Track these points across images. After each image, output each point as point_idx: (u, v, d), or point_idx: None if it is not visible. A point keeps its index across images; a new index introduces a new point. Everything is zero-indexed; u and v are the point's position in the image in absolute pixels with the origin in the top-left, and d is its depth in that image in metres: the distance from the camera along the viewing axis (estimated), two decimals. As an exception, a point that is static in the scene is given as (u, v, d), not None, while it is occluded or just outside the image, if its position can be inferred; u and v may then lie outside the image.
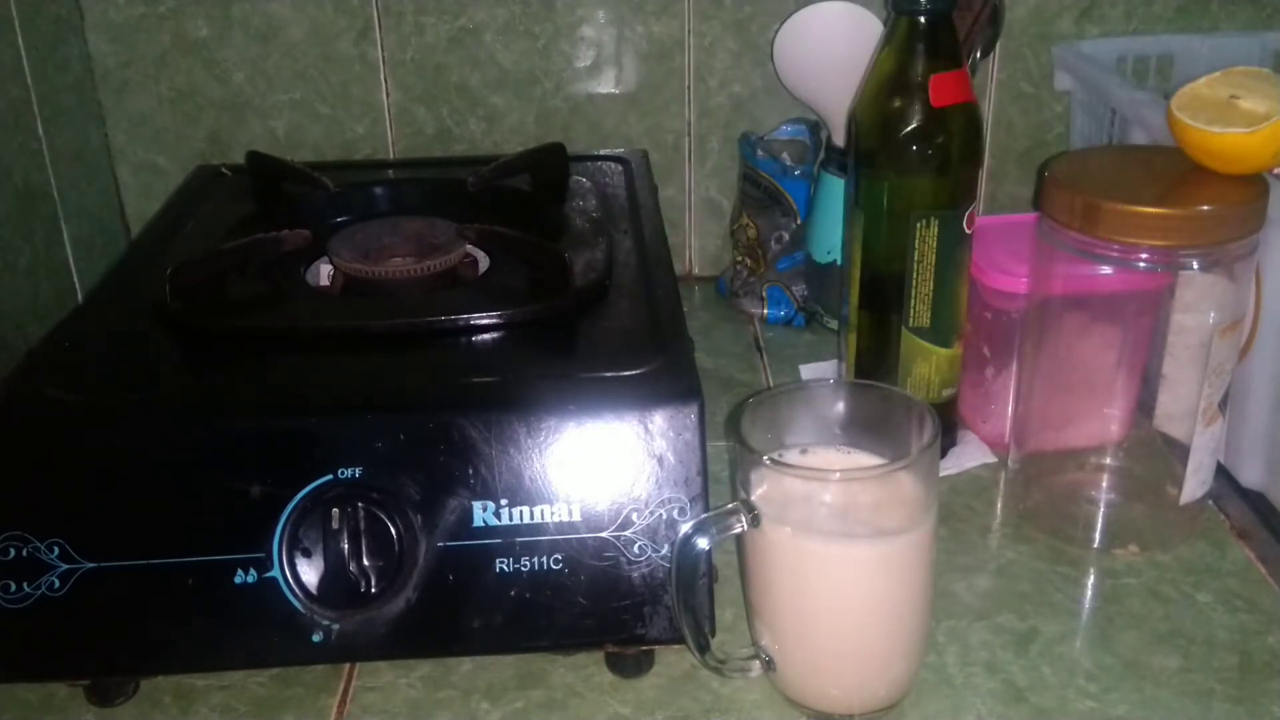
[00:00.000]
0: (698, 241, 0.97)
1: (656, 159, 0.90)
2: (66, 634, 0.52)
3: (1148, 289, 0.64)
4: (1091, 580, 0.62)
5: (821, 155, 0.87)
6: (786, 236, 0.88)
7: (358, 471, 0.52)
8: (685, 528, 0.52)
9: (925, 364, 0.67)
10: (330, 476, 0.52)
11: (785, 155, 0.88)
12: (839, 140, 0.84)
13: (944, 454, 0.71)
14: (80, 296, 0.85)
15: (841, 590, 0.51)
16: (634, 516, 0.53)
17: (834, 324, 0.87)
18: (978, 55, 0.81)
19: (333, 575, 0.52)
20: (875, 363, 0.69)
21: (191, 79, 0.90)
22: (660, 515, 0.53)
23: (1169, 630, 0.58)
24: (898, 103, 0.63)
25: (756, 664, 0.54)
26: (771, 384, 0.82)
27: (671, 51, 0.90)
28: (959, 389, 0.70)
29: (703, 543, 0.50)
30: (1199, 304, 0.61)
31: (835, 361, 0.82)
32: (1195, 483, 0.63)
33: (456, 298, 0.66)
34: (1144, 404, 0.66)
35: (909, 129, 0.63)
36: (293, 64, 0.89)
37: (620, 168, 0.83)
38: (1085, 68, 0.85)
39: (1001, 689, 0.55)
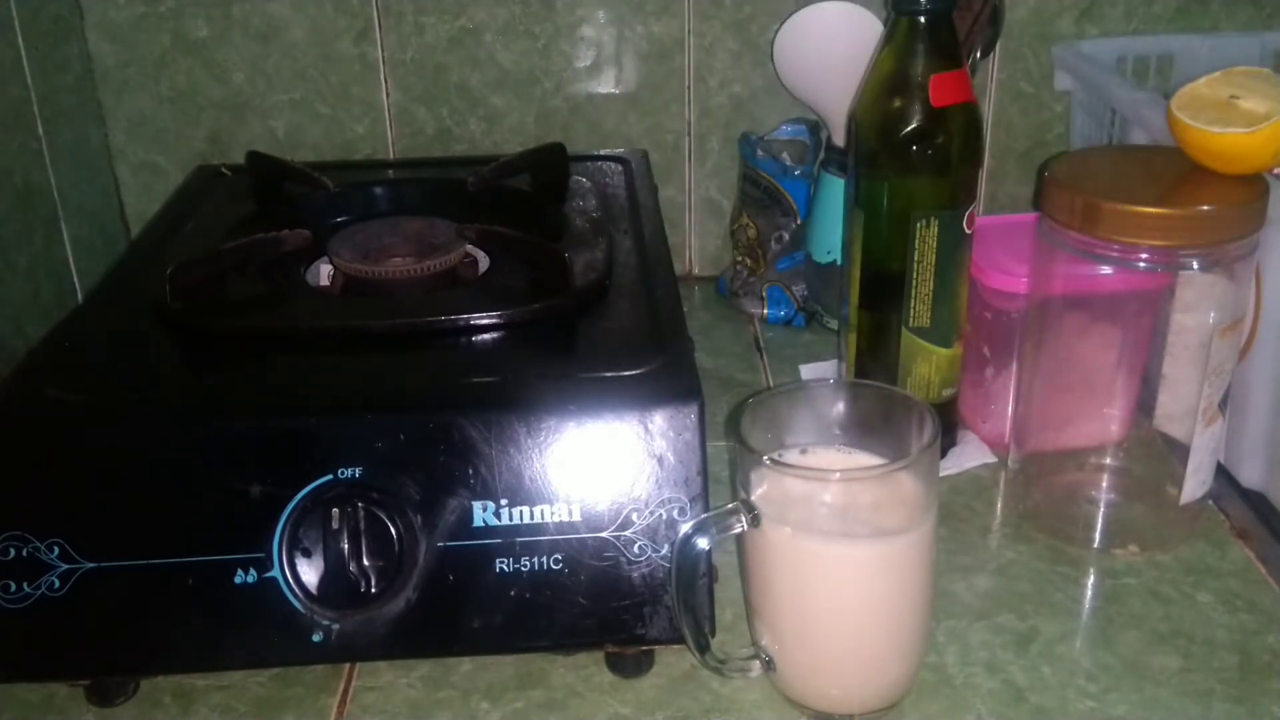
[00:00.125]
0: (698, 241, 0.97)
1: (656, 159, 0.91)
2: (66, 634, 0.52)
3: (1148, 289, 0.64)
4: (1091, 580, 0.62)
5: (821, 155, 0.87)
6: (786, 236, 0.88)
7: (358, 471, 0.52)
8: (685, 528, 0.52)
9: (925, 364, 0.67)
10: (330, 476, 0.52)
11: (785, 155, 0.88)
12: (839, 140, 0.84)
13: (944, 454, 0.71)
14: (80, 296, 0.85)
15: (841, 590, 0.51)
16: (634, 516, 0.53)
17: (834, 324, 0.87)
18: (978, 55, 0.81)
19: (333, 575, 0.52)
20: (875, 363, 0.69)
21: (191, 79, 0.90)
22: (660, 515, 0.53)
23: (1169, 630, 0.58)
24: (898, 103, 0.63)
25: (756, 664, 0.54)
26: (771, 384, 0.82)
27: (671, 51, 0.90)
28: (959, 389, 0.70)
29: (703, 543, 0.50)
30: (1199, 304, 0.61)
31: (835, 361, 0.82)
32: (1195, 483, 0.63)
33: (456, 298, 0.66)
34: (1144, 404, 0.66)
35: (909, 129, 0.63)
36: (293, 64, 0.89)
37: (620, 168, 0.83)
38: (1085, 68, 0.85)
39: (1001, 689, 0.55)
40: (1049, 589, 0.61)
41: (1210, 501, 0.66)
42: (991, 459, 0.72)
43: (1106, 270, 0.60)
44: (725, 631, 0.58)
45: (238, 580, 0.52)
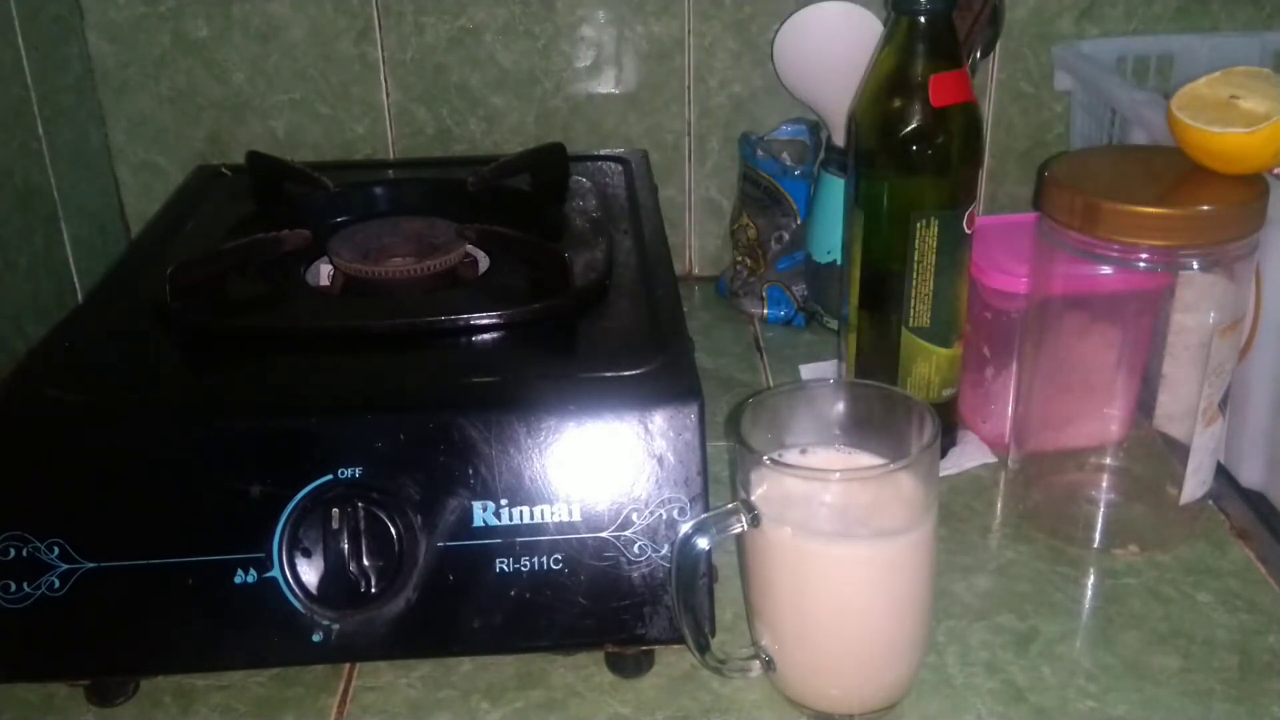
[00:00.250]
0: (698, 241, 0.97)
1: (656, 159, 0.91)
2: (66, 634, 0.52)
3: (1148, 289, 0.64)
4: (1091, 580, 0.62)
5: (821, 155, 0.87)
6: (786, 236, 0.88)
7: (358, 471, 0.52)
8: (685, 528, 0.52)
9: (925, 364, 0.67)
10: (330, 476, 0.52)
11: (785, 155, 0.88)
12: (839, 140, 0.84)
13: (944, 454, 0.71)
14: (80, 296, 0.86)
15: (841, 590, 0.51)
16: (634, 516, 0.53)
17: (834, 324, 0.87)
18: (978, 55, 0.81)
19: (333, 575, 0.52)
20: (875, 363, 0.69)
21: (191, 79, 0.90)
22: (660, 515, 0.53)
23: (1169, 630, 0.58)
24: (898, 103, 0.63)
25: (756, 664, 0.54)
26: (771, 384, 0.82)
27: (671, 51, 0.90)
28: (959, 389, 0.70)
29: (703, 543, 0.50)
30: (1199, 304, 0.61)
31: (835, 361, 0.82)
32: (1195, 483, 0.63)
33: (456, 298, 0.66)
34: (1144, 404, 0.66)
35: (909, 129, 0.63)
36: (293, 64, 0.89)
37: (620, 168, 0.83)
38: (1085, 68, 0.85)
39: (1001, 689, 0.55)
40: (1049, 589, 0.61)
41: (1210, 501, 0.66)
42: (991, 459, 0.72)
43: (1106, 270, 0.60)
44: (725, 631, 0.58)
45: (238, 580, 0.52)
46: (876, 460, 0.53)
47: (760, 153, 0.88)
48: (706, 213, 0.96)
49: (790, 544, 0.50)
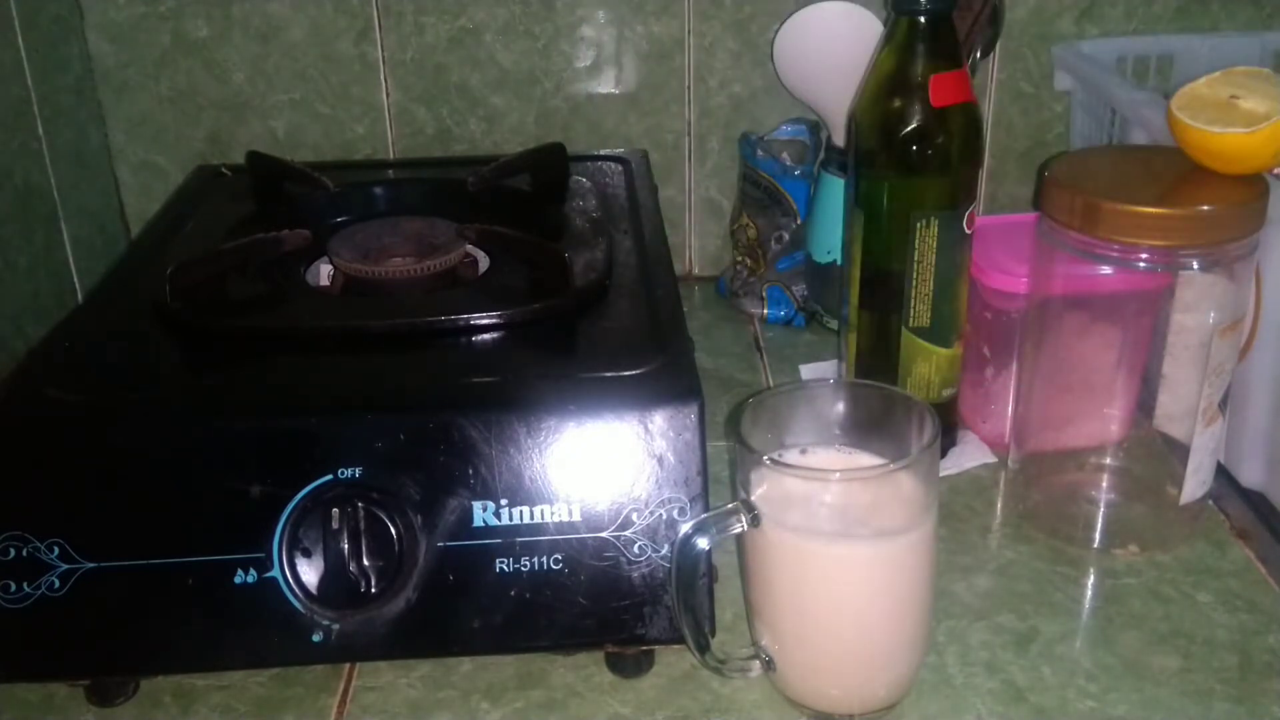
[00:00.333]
0: (698, 241, 0.97)
1: (656, 159, 0.91)
2: (66, 634, 0.52)
3: (1148, 289, 0.64)
4: (1091, 580, 0.62)
5: (821, 155, 0.87)
6: (786, 236, 0.88)
7: (358, 471, 0.52)
8: (685, 528, 0.52)
9: (925, 364, 0.67)
10: (330, 476, 0.52)
11: (785, 155, 0.88)
12: (839, 140, 0.84)
13: (944, 454, 0.71)
14: (80, 296, 0.86)
15: (841, 590, 0.51)
16: (634, 516, 0.53)
17: (834, 324, 0.87)
18: (978, 55, 0.81)
19: (333, 575, 0.52)
20: (875, 363, 0.69)
21: (191, 79, 0.90)
22: (660, 515, 0.53)
23: (1169, 630, 0.58)
24: (898, 103, 0.63)
25: (756, 664, 0.54)
26: (771, 384, 0.82)
27: (671, 51, 0.90)
28: (959, 389, 0.70)
29: (703, 543, 0.50)
30: (1199, 304, 0.61)
31: (835, 361, 0.82)
32: (1195, 483, 0.63)
33: (456, 298, 0.66)
34: (1144, 404, 0.66)
35: (909, 129, 0.63)
36: (293, 64, 0.89)
37: (620, 168, 0.83)
38: (1085, 68, 0.85)
39: (1001, 689, 0.55)
40: (1049, 589, 0.61)
41: (1210, 501, 0.66)
42: (991, 459, 0.72)
43: (1106, 270, 0.60)
44: (725, 631, 0.58)
45: (238, 580, 0.52)
46: (876, 460, 0.53)
47: (760, 153, 0.88)
48: (706, 213, 0.96)
49: (790, 544, 0.50)
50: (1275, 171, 0.60)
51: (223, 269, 0.65)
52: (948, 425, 0.70)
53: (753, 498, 0.51)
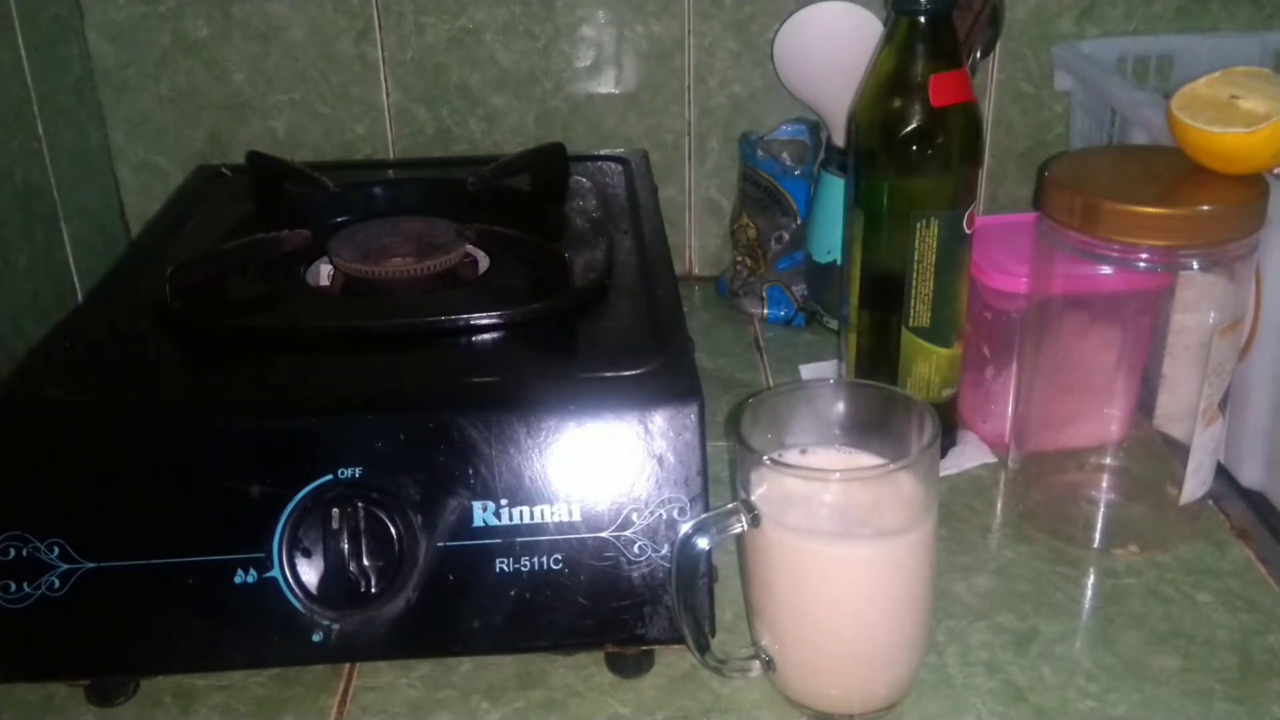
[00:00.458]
0: (698, 241, 0.97)
1: (656, 159, 0.91)
2: (66, 634, 0.52)
3: (1148, 289, 0.64)
4: (1091, 580, 0.62)
5: (821, 155, 0.87)
6: (786, 236, 0.88)
7: (358, 471, 0.52)
8: (685, 528, 0.52)
9: (925, 364, 0.67)
10: (330, 476, 0.52)
11: (785, 155, 0.88)
12: (839, 140, 0.84)
13: (944, 454, 0.71)
14: (80, 296, 0.86)
15: (841, 590, 0.51)
16: (634, 516, 0.53)
17: (834, 324, 0.87)
18: (978, 55, 0.81)
19: (333, 575, 0.52)
20: (875, 363, 0.69)
21: (191, 79, 0.90)
22: (660, 515, 0.53)
23: (1169, 630, 0.58)
24: (898, 103, 0.63)
25: (756, 664, 0.54)
26: (771, 384, 0.82)
27: (671, 51, 0.90)
28: (959, 389, 0.70)
29: (703, 543, 0.50)
30: (1199, 304, 0.61)
31: (835, 361, 0.82)
32: (1195, 483, 0.63)
33: (456, 298, 0.66)
34: (1144, 404, 0.66)
35: (909, 129, 0.63)
36: (293, 64, 0.89)
37: (620, 168, 0.83)
38: (1085, 68, 0.85)
39: (1001, 689, 0.55)
40: (1049, 589, 0.61)
41: (1210, 501, 0.66)
42: (991, 459, 0.72)
43: (1106, 270, 0.60)
44: (725, 631, 0.58)
45: (238, 580, 0.52)
46: (876, 460, 0.53)
47: (760, 153, 0.88)
48: (706, 213, 0.96)
49: (790, 544, 0.50)
50: (1275, 171, 0.60)
51: (223, 269, 0.65)
52: (948, 425, 0.70)
53: (753, 498, 0.51)
